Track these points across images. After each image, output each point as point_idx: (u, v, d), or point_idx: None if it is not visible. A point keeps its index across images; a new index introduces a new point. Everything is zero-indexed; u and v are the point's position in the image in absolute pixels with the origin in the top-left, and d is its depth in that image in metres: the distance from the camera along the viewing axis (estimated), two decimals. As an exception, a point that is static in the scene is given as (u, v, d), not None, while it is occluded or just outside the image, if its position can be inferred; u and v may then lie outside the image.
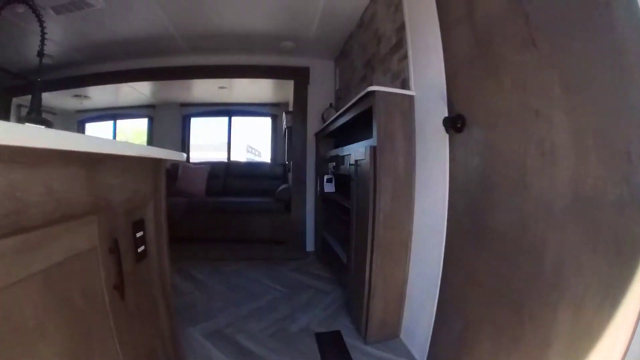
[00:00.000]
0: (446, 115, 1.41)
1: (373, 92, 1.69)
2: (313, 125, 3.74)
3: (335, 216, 2.99)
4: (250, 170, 4.95)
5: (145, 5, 2.73)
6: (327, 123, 2.98)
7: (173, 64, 3.89)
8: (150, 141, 5.64)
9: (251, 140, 6.01)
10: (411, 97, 1.77)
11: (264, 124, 5.55)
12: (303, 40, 3.31)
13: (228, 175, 4.94)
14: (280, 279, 2.92)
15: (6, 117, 4.84)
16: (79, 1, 2.50)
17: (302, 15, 2.82)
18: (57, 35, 3.38)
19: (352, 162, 2.05)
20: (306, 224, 3.90)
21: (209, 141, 5.84)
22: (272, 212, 4.09)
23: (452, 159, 1.42)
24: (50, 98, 4.98)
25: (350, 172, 2.11)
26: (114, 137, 6.04)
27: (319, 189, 3.39)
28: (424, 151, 1.68)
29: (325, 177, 2.83)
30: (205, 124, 5.75)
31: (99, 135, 5.86)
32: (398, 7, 1.97)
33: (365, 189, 1.79)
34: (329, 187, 2.83)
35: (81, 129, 6.09)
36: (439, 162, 1.49)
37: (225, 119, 5.46)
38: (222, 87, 4.39)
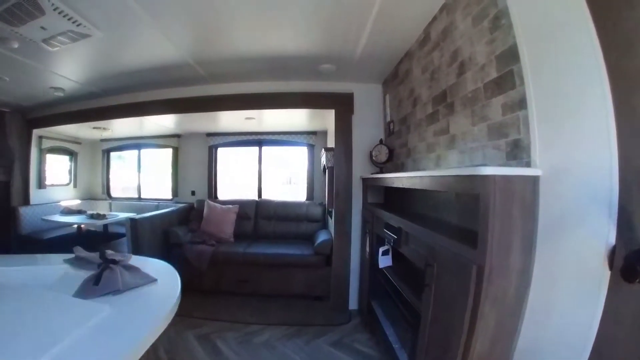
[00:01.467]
0: (612, 240, 0.81)
1: (486, 177, 1.02)
2: (359, 164, 3.18)
3: (388, 293, 2.39)
4: (284, 210, 4.40)
5: (148, 35, 2.33)
6: (383, 176, 2.38)
7: (194, 94, 3.53)
8: (176, 172, 5.28)
9: (285, 171, 5.48)
10: (535, 180, 1.11)
11: (299, 153, 4.99)
12: (346, 60, 2.76)
13: (259, 217, 4.46)
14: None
15: (27, 148, 4.97)
16: (72, 32, 2.18)
17: (346, 31, 2.26)
18: (64, 69, 3.11)
19: (429, 259, 1.39)
20: (349, 281, 3.33)
21: (238, 172, 5.38)
22: (310, 266, 3.52)
23: (608, 313, 0.83)
24: (75, 128, 4.87)
25: (423, 269, 1.45)
26: (139, 167, 5.87)
27: (367, 250, 2.75)
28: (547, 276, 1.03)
29: (381, 249, 2.19)
30: (234, 154, 5.30)
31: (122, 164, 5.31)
32: (498, 21, 1.30)
33: (450, 315, 1.22)
34: (386, 261, 2.21)
35: (106, 158, 6.05)
36: (576, 306, 0.91)
37: (256, 148, 4.97)
38: (249, 118, 3.90)
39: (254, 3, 1.91)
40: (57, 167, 5.71)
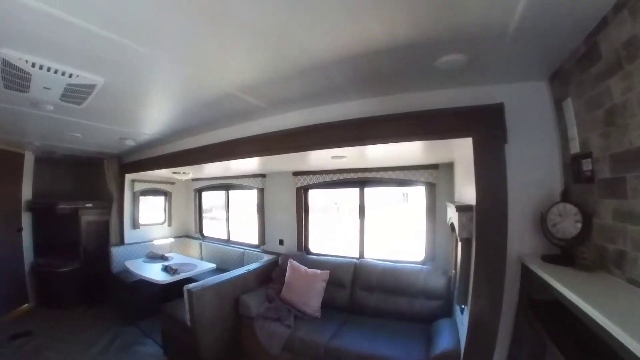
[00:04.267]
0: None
1: None
2: (517, 232, 1.93)
3: None
4: (392, 280, 3.31)
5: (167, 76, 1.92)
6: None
7: (249, 133, 2.97)
8: (262, 217, 4.73)
9: (393, 218, 4.34)
10: None
11: (414, 193, 3.84)
12: (489, 41, 1.59)
13: (357, 286, 3.49)
14: None
15: (122, 191, 5.38)
16: (75, 85, 2.05)
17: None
18: (111, 121, 3.17)
19: None
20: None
21: (334, 219, 4.49)
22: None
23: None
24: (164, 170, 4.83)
25: None
26: (227, 206, 5.65)
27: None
28: None
29: None
30: (329, 197, 4.43)
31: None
32: None
33: None
34: None
35: (197, 198, 6.11)
36: None
37: (356, 190, 4.00)
38: (336, 157, 2.97)
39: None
40: (152, 207, 6.02)
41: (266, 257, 4.40)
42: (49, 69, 1.82)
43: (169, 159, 4.08)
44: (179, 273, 4.07)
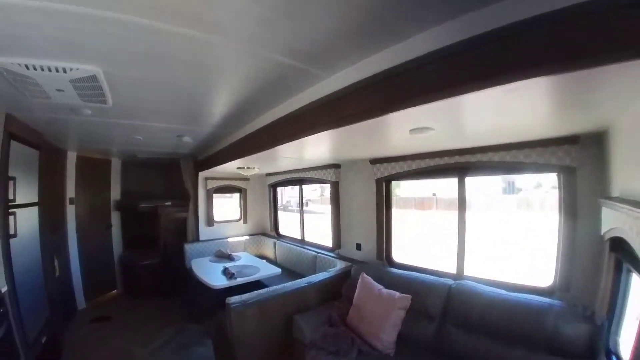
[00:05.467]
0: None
1: None
2: None
3: None
4: (503, 316, 2.21)
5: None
6: None
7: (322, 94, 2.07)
8: (337, 215, 4.05)
9: (507, 221, 3.20)
10: None
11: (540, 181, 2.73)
12: None
13: (449, 320, 2.50)
14: None
15: (196, 189, 5.44)
16: (81, 82, 1.93)
17: None
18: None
19: None
20: None
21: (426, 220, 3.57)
22: None
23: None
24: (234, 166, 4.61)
25: None
26: (301, 202, 5.24)
27: None
28: None
29: None
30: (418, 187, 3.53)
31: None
32: None
33: None
34: None
35: (272, 194, 5.81)
36: None
37: (452, 181, 3.00)
38: (418, 131, 2.04)
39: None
40: (228, 204, 6.06)
41: (339, 265, 3.73)
42: (42, 68, 1.74)
43: (230, 150, 3.64)
44: (236, 278, 3.68)
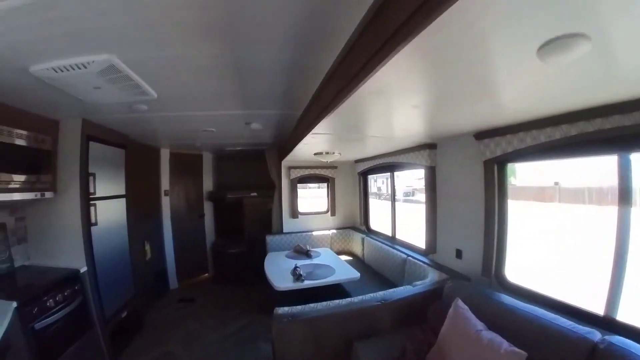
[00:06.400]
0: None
1: None
2: None
3: None
4: None
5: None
6: None
7: None
8: (433, 211, 3.17)
9: None
10: None
11: None
12: None
13: None
14: None
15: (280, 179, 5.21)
16: (106, 74, 1.87)
17: None
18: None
19: None
20: None
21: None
22: None
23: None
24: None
25: None
26: (392, 193, 4.32)
27: None
28: None
29: None
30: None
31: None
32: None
33: None
34: None
35: (362, 183, 5.07)
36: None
37: (604, 160, 1.89)
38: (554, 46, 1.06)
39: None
40: (316, 195, 5.75)
41: (431, 275, 2.87)
42: (66, 68, 1.78)
43: (300, 125, 2.99)
44: (303, 280, 3.12)
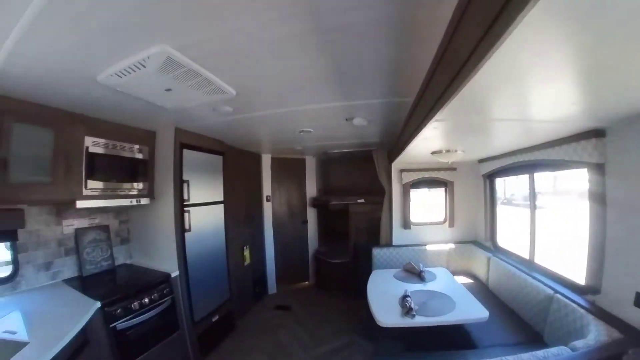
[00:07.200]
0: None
1: None
2: None
3: None
4: None
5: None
6: None
7: None
8: (602, 228, 2.16)
9: None
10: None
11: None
12: None
13: None
14: None
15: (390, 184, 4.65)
16: (167, 68, 1.73)
17: None
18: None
19: None
20: None
21: None
22: None
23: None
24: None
25: None
26: (531, 202, 3.20)
27: None
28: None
29: None
30: None
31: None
32: None
33: None
34: None
35: (488, 187, 4.02)
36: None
37: None
38: None
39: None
40: (430, 202, 4.86)
41: (595, 329, 1.86)
42: (127, 71, 1.76)
43: (413, 115, 2.24)
44: (414, 315, 2.44)
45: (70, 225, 2.98)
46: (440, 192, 4.57)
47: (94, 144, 2.68)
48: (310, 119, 3.01)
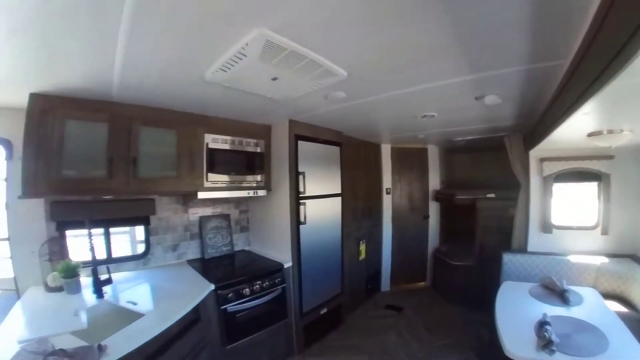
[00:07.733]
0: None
1: None
2: None
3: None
4: None
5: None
6: None
7: None
8: None
9: None
10: None
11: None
12: None
13: None
14: None
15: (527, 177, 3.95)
16: (267, 51, 1.63)
17: None
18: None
19: None
20: None
21: None
22: None
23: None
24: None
25: None
26: None
27: None
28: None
29: None
30: None
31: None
32: None
33: None
34: None
35: None
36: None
37: None
38: None
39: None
40: (578, 201, 3.87)
41: None
42: (230, 64, 1.78)
43: (567, 88, 1.82)
44: (553, 351, 1.97)
45: (195, 213, 3.50)
46: (588, 187, 3.61)
47: (213, 141, 3.07)
48: (434, 101, 2.71)
